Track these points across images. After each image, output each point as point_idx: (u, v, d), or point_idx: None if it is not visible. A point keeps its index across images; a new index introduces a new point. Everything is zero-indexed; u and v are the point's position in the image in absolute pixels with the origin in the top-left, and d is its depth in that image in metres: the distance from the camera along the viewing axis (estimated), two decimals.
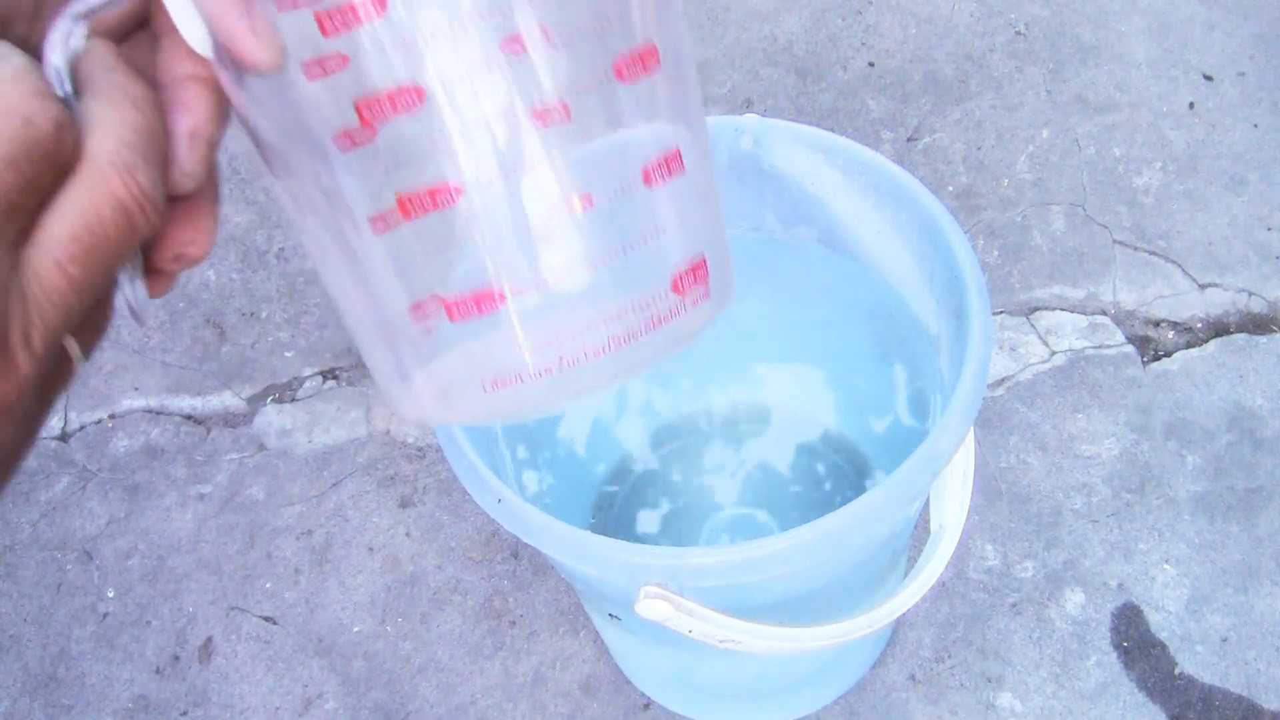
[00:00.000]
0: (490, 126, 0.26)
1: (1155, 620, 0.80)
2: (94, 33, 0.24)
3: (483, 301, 0.27)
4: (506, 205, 0.27)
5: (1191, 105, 1.06)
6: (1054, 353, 0.92)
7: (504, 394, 0.28)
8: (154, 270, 0.26)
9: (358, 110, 0.26)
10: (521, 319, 0.27)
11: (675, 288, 0.29)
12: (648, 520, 0.80)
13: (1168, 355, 0.91)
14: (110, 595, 0.89)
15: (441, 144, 0.26)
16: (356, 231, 0.27)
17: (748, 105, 1.10)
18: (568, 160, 0.27)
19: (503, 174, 0.26)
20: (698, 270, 0.30)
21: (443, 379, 0.29)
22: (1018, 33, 1.12)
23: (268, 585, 0.88)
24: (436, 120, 0.26)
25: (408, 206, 0.26)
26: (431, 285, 0.27)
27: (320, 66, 0.25)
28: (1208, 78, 1.07)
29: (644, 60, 0.28)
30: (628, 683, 0.81)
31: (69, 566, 0.91)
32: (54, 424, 0.98)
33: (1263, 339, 0.91)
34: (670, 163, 0.29)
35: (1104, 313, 0.94)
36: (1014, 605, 0.81)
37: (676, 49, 0.30)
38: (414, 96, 0.25)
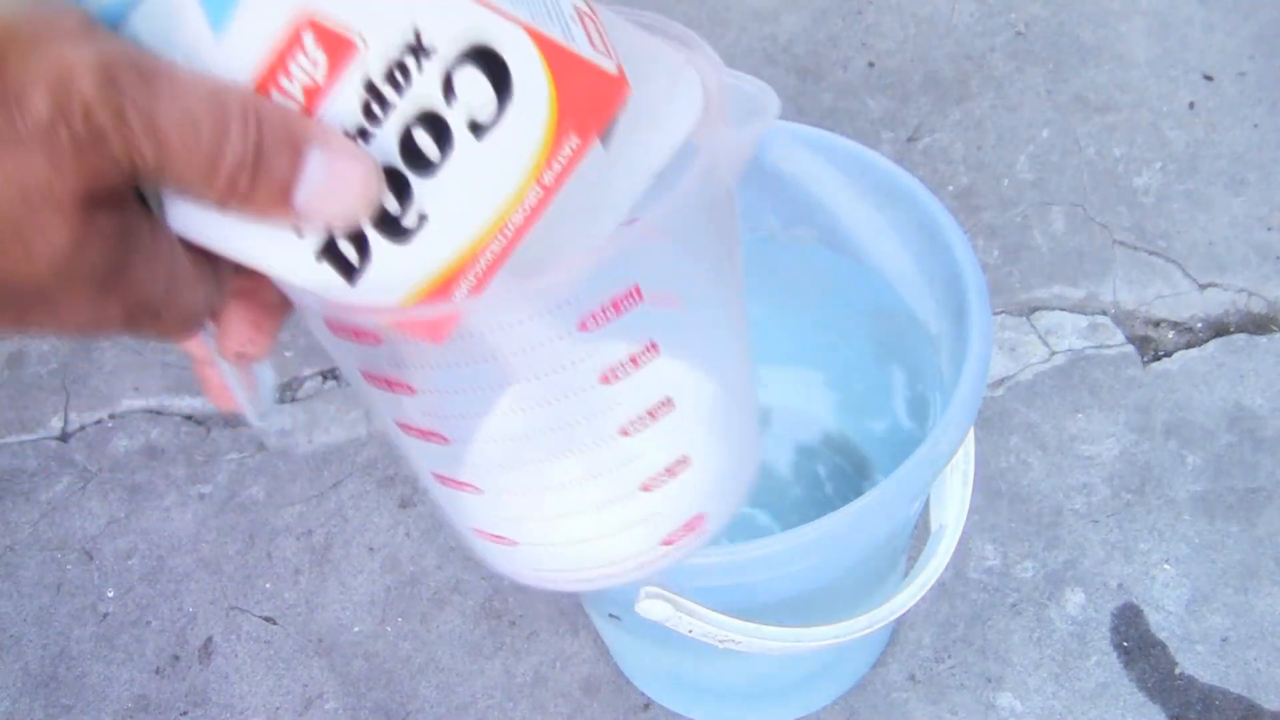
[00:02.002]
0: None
1: (1155, 620, 0.80)
2: None
3: (502, 541, 0.35)
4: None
5: (1191, 105, 1.06)
6: (1054, 353, 0.92)
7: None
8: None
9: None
10: (529, 555, 0.35)
11: (666, 543, 0.35)
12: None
13: (1168, 355, 0.91)
14: (110, 595, 0.89)
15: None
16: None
17: None
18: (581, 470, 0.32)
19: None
20: (693, 525, 0.35)
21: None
22: (1018, 33, 1.12)
23: (268, 585, 0.88)
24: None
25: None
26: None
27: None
28: (1208, 78, 1.07)
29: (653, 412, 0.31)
30: (628, 683, 0.81)
31: (69, 566, 0.91)
32: (54, 424, 0.98)
33: (1263, 339, 0.91)
34: (675, 468, 0.33)
35: (1104, 313, 0.94)
36: (1014, 605, 0.81)
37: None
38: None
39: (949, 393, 0.50)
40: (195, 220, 0.23)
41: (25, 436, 0.98)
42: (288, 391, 0.98)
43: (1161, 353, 0.92)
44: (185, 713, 0.84)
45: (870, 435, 0.78)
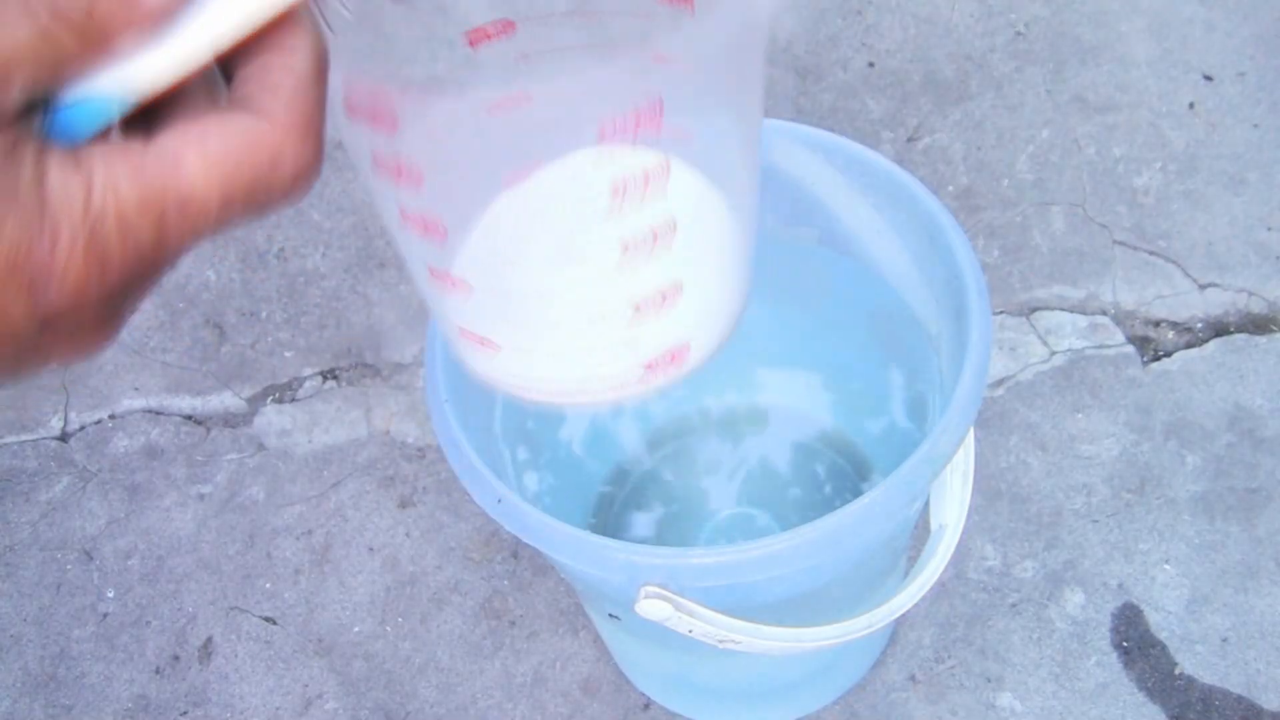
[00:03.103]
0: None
1: (1155, 620, 0.80)
2: None
3: (486, 344, 0.35)
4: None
5: (1191, 105, 1.06)
6: (1054, 353, 0.92)
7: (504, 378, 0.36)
8: None
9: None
10: (512, 361, 0.35)
11: (647, 368, 0.35)
12: (647, 521, 0.80)
13: (1168, 355, 0.91)
14: (110, 595, 0.89)
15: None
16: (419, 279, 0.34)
17: None
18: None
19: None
20: (677, 354, 0.35)
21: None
22: (1018, 33, 1.12)
23: (268, 585, 0.88)
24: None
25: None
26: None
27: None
28: (1208, 78, 1.07)
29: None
30: (628, 683, 0.81)
31: (69, 566, 0.91)
32: (54, 424, 0.98)
33: (1263, 339, 0.91)
34: (669, 293, 0.33)
35: (1104, 313, 0.94)
36: (1014, 605, 0.81)
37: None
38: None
39: (949, 393, 0.50)
40: None
41: (25, 436, 0.98)
42: (288, 392, 0.98)
43: (1161, 353, 0.92)
44: (185, 713, 0.84)
45: (870, 435, 0.78)
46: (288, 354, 1.00)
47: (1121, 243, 0.98)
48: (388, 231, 0.32)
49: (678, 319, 0.34)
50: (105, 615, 0.88)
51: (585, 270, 0.31)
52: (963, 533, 0.55)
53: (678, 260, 0.32)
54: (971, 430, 0.54)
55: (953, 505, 0.56)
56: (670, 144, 0.29)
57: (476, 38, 0.35)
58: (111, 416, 0.98)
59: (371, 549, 0.89)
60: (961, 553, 0.83)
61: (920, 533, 0.62)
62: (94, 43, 0.20)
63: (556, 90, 0.26)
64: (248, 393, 0.98)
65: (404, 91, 0.26)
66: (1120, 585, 0.82)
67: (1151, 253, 0.97)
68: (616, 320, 0.33)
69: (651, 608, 0.49)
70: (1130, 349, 0.92)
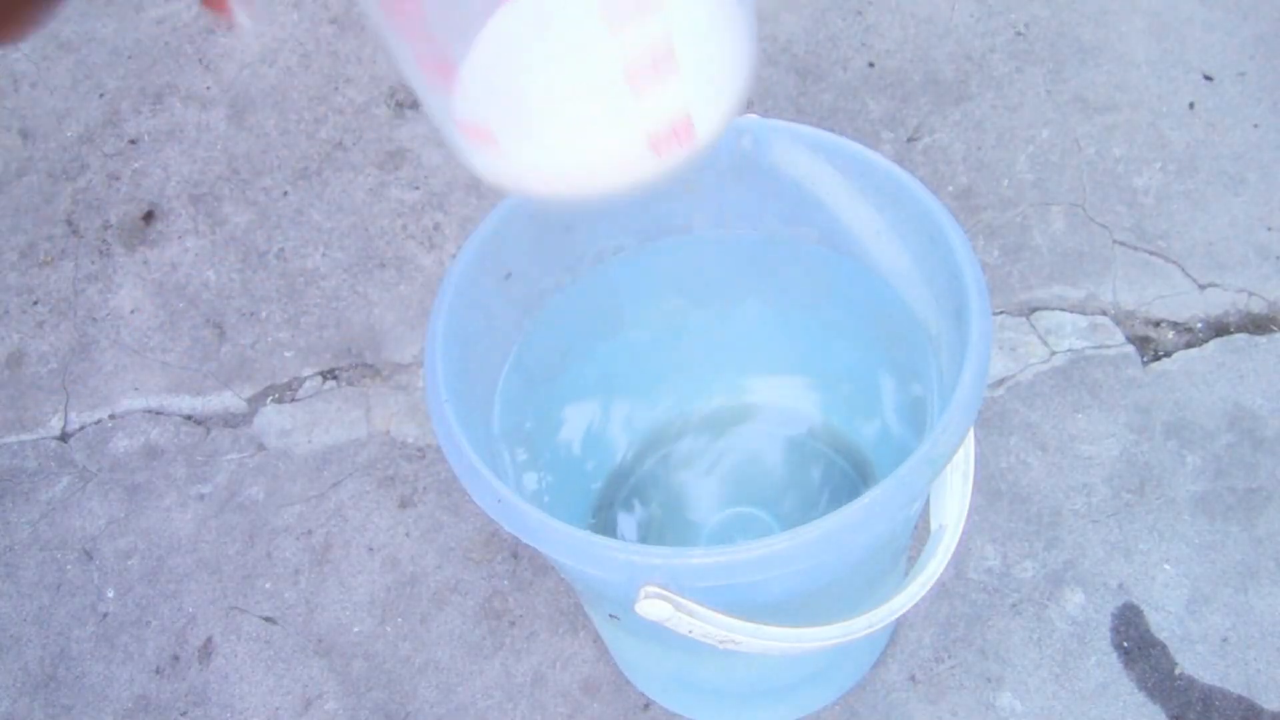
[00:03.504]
0: None
1: (1155, 620, 0.80)
2: None
3: (484, 136, 0.34)
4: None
5: (1191, 105, 1.06)
6: (1054, 353, 0.92)
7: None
8: None
9: None
10: (513, 151, 0.34)
11: (652, 146, 0.33)
12: (647, 521, 0.80)
13: (1168, 355, 0.91)
14: (110, 595, 0.89)
15: None
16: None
17: (748, 105, 1.10)
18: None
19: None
20: (681, 130, 0.33)
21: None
22: (1018, 33, 1.12)
23: (268, 585, 0.88)
24: None
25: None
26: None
27: None
28: (1208, 78, 1.07)
29: None
30: (628, 683, 0.81)
31: (69, 566, 0.91)
32: (54, 424, 0.98)
33: (1263, 339, 0.92)
34: (660, 62, 0.31)
35: (1104, 313, 0.94)
36: (1014, 605, 0.81)
37: None
38: None
39: (949, 393, 0.50)
40: None
41: (25, 436, 0.98)
42: (288, 392, 0.98)
43: (1161, 353, 0.92)
44: (185, 713, 0.84)
45: (870, 435, 0.78)
46: (288, 354, 1.00)
47: (1121, 243, 0.98)
48: (373, 24, 0.32)
49: (675, 88, 0.33)
50: (105, 615, 0.88)
51: (567, 34, 0.30)
52: (963, 533, 0.55)
53: (665, 20, 0.31)
54: (971, 430, 0.54)
55: (953, 505, 0.56)
56: None
57: None
58: (111, 416, 0.98)
59: (371, 549, 0.89)
60: (961, 553, 0.83)
61: (920, 533, 0.62)
62: None
63: None
64: (248, 393, 0.98)
65: None
66: (1120, 585, 0.82)
67: (1151, 253, 0.97)
68: (610, 92, 0.31)
69: (651, 608, 0.49)
70: (1130, 349, 0.92)
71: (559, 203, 0.36)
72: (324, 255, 1.05)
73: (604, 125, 0.33)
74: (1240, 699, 0.77)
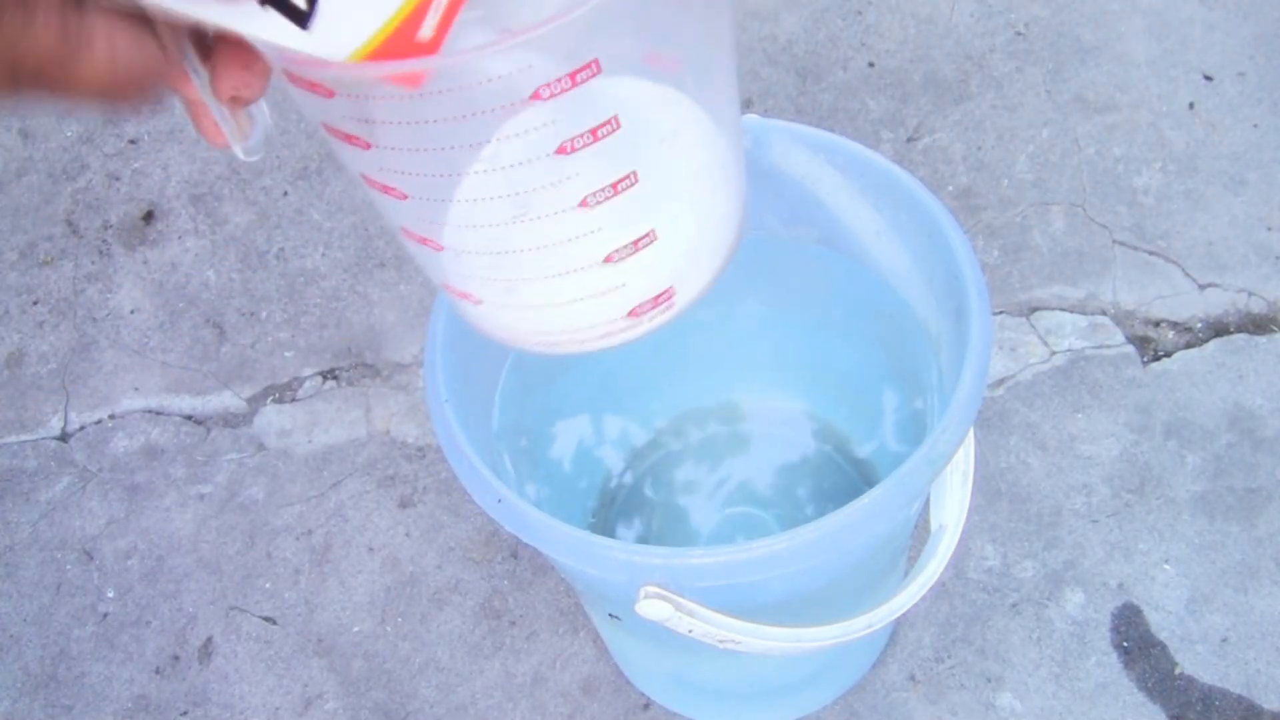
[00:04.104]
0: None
1: (1155, 620, 0.80)
2: None
3: (467, 298, 0.35)
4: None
5: (1191, 105, 1.06)
6: (1054, 353, 0.92)
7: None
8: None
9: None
10: (496, 315, 0.36)
11: (633, 314, 0.34)
12: (648, 521, 0.80)
13: (1168, 355, 0.91)
14: (110, 595, 0.89)
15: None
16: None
17: (748, 105, 1.10)
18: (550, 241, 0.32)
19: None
20: (661, 299, 0.34)
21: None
22: (1018, 33, 1.12)
23: (268, 585, 0.88)
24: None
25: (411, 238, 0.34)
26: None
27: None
28: (1208, 78, 1.07)
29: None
30: (628, 683, 0.81)
31: (69, 566, 0.91)
32: (54, 424, 0.98)
33: (1263, 339, 0.91)
34: (640, 242, 0.32)
35: (1104, 313, 0.94)
36: (1014, 605, 0.81)
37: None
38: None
39: (949, 393, 0.50)
40: None
41: (25, 436, 0.98)
42: (288, 392, 0.98)
43: (1161, 353, 0.92)
44: (185, 713, 0.84)
45: (869, 434, 0.78)
46: (288, 354, 1.00)
47: (1121, 243, 0.98)
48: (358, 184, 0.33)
49: (657, 264, 0.33)
50: (105, 615, 0.88)
51: (544, 229, 0.31)
52: (963, 533, 0.55)
53: (645, 208, 0.31)
54: (971, 430, 0.54)
55: (953, 505, 0.56)
56: (617, 92, 0.28)
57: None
58: (111, 416, 0.98)
59: (371, 549, 0.89)
60: (961, 553, 0.83)
61: (920, 533, 0.62)
62: None
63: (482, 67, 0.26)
64: (248, 393, 0.98)
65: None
66: (1120, 585, 0.82)
67: (1151, 253, 0.97)
68: (589, 273, 0.32)
69: (651, 608, 0.49)
70: (1130, 349, 0.92)
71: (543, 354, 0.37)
72: (324, 255, 1.05)
73: (585, 303, 0.34)
74: (1240, 699, 0.77)
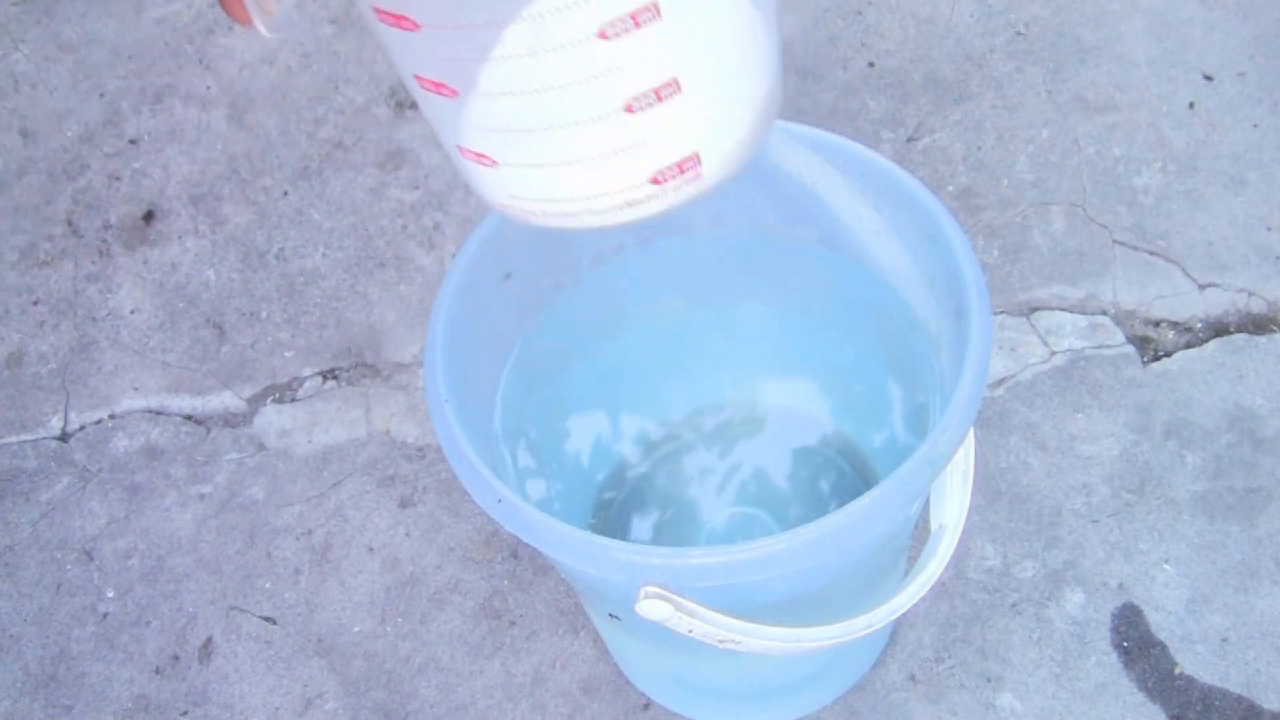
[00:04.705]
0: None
1: (1155, 620, 0.80)
2: None
3: (483, 160, 0.34)
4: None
5: (1191, 105, 1.06)
6: (1054, 353, 0.92)
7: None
8: None
9: None
10: (513, 177, 0.34)
11: (655, 180, 0.32)
12: (647, 521, 0.80)
13: (1168, 355, 0.92)
14: (110, 595, 0.89)
15: None
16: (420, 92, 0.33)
17: None
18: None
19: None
20: (686, 165, 0.32)
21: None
22: (1018, 33, 1.12)
23: (268, 585, 0.88)
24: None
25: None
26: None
27: None
28: (1208, 78, 1.07)
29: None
30: (628, 683, 0.81)
31: (69, 566, 0.91)
32: (54, 424, 0.98)
33: (1263, 339, 0.92)
34: (663, 90, 0.30)
35: (1104, 313, 0.94)
36: (1014, 605, 0.81)
37: None
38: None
39: (949, 393, 0.50)
40: None
41: (25, 436, 0.98)
42: (288, 392, 0.98)
43: (1161, 353, 0.92)
44: (185, 713, 0.84)
45: (870, 435, 0.78)
46: (288, 354, 1.00)
47: (1121, 243, 0.98)
48: (373, 34, 0.31)
49: (680, 123, 0.31)
50: (105, 615, 0.88)
51: (565, 59, 0.29)
52: (963, 533, 0.55)
53: (668, 52, 0.30)
54: (971, 430, 0.54)
55: (953, 505, 0.56)
56: None
57: None
58: (111, 416, 0.98)
59: (371, 549, 0.89)
60: (961, 553, 0.83)
61: (920, 533, 0.62)
62: None
63: None
64: (248, 393, 0.98)
65: None
66: (1120, 585, 0.82)
67: (1151, 253, 0.97)
68: (609, 122, 0.30)
69: (651, 608, 0.49)
70: (1130, 349, 0.92)
71: (560, 229, 0.35)
72: (324, 255, 1.05)
73: (605, 160, 0.32)
74: (1240, 699, 0.77)
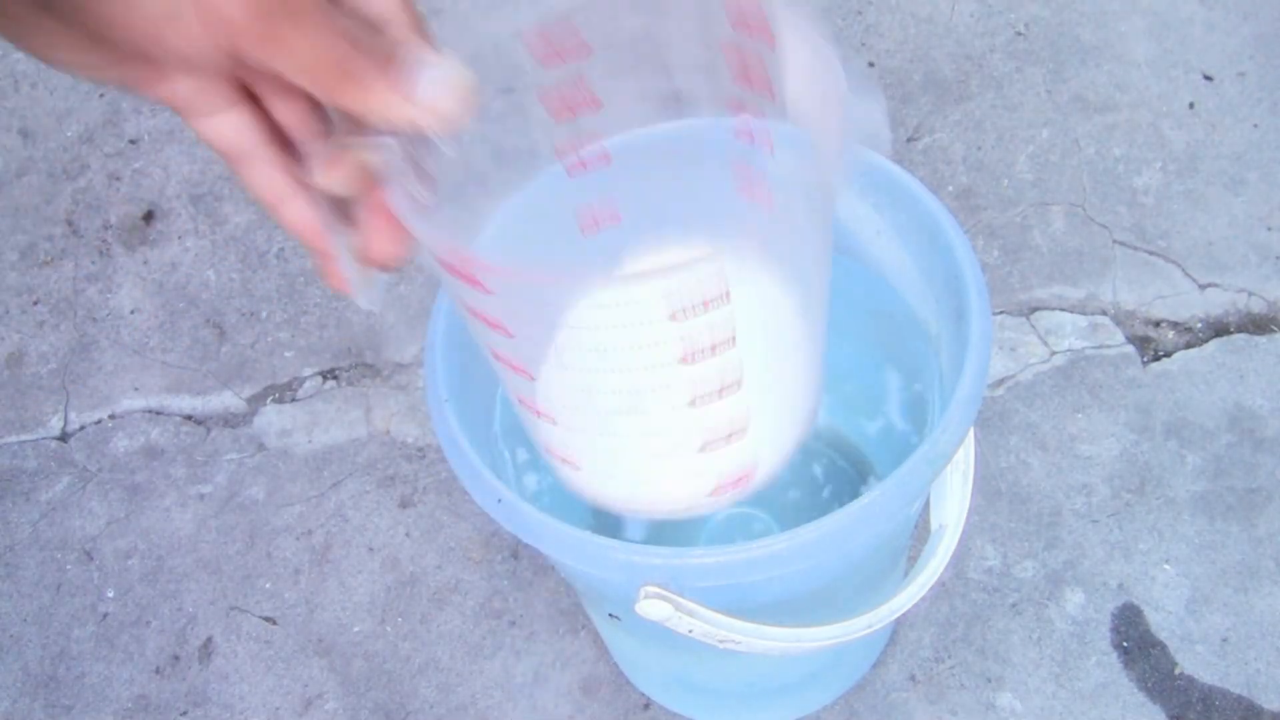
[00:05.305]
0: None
1: (1155, 620, 0.80)
2: None
3: (569, 463, 0.40)
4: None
5: (1191, 105, 1.06)
6: (1054, 353, 0.92)
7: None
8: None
9: None
10: (593, 481, 0.41)
11: (714, 494, 0.39)
12: (648, 521, 0.80)
13: (1168, 355, 0.91)
14: (110, 595, 0.89)
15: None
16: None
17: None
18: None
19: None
20: (742, 480, 0.39)
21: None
22: (1018, 33, 1.12)
23: (268, 585, 0.88)
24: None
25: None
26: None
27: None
28: (1208, 78, 1.07)
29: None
30: (628, 683, 0.81)
31: (69, 566, 0.91)
32: (54, 424, 0.98)
33: (1263, 339, 0.92)
34: (733, 436, 0.36)
35: (1104, 313, 0.94)
36: (1014, 605, 0.81)
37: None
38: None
39: (949, 393, 0.50)
40: None
41: (25, 436, 0.98)
42: (288, 392, 0.98)
43: (1161, 353, 0.92)
44: (185, 713, 0.84)
45: (870, 435, 0.78)
46: (288, 354, 1.00)
47: (1121, 243, 0.98)
48: (482, 353, 0.36)
49: (744, 449, 0.37)
50: (105, 615, 0.88)
51: (650, 420, 0.35)
52: (963, 533, 0.55)
53: (744, 405, 0.35)
54: (972, 430, 0.54)
55: (953, 505, 0.56)
56: (738, 315, 0.31)
57: (587, 225, 0.40)
58: (111, 416, 0.98)
59: (371, 549, 0.89)
60: (961, 553, 0.83)
61: (920, 533, 0.62)
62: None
63: (633, 288, 0.30)
64: (248, 393, 0.98)
65: (502, 270, 0.29)
66: (1120, 585, 0.82)
67: (1151, 253, 0.97)
68: (684, 458, 0.36)
69: (651, 608, 0.49)
70: (1130, 349, 0.92)
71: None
72: None
73: (674, 480, 0.38)
74: (1240, 699, 0.77)
